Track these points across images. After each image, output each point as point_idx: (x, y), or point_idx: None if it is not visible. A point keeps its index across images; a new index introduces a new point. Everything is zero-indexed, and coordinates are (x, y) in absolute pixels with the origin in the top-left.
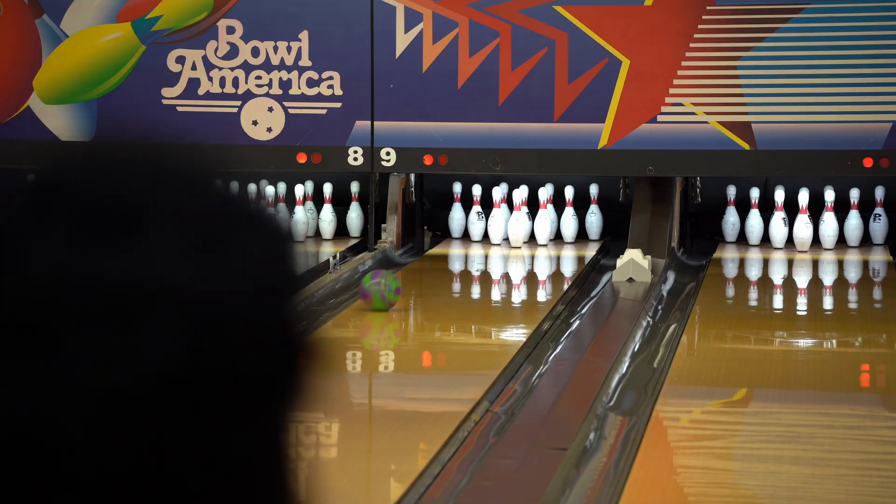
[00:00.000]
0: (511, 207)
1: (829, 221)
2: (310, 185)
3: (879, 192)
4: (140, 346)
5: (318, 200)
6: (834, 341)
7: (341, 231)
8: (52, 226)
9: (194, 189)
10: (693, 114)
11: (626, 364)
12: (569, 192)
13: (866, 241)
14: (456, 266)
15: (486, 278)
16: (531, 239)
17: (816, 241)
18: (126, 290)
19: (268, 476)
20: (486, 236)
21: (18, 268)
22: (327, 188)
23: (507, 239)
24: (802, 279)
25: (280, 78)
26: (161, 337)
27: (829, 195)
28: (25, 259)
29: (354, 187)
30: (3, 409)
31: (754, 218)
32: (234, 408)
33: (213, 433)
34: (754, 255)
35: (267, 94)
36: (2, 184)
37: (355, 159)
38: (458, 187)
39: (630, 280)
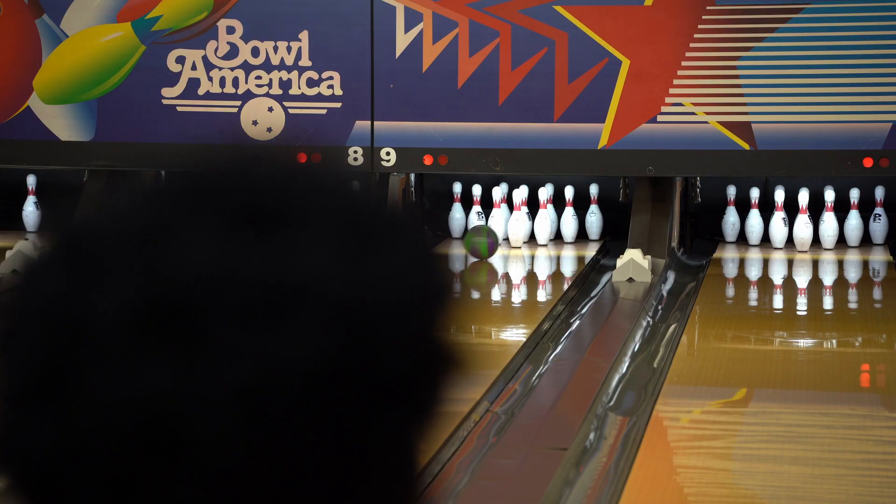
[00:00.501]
0: (511, 207)
1: (829, 221)
2: None
3: (879, 192)
4: (286, 343)
5: None
6: (834, 341)
7: None
8: (207, 224)
9: (346, 195)
10: (693, 114)
11: (626, 364)
12: (569, 192)
13: (866, 241)
14: (456, 266)
15: (486, 278)
16: (531, 239)
17: (816, 241)
18: (276, 288)
19: (395, 482)
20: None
21: (174, 262)
22: None
23: (507, 239)
24: (802, 279)
25: (280, 78)
26: (307, 335)
27: (829, 195)
28: (180, 254)
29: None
30: (151, 396)
31: (754, 218)
32: (372, 412)
33: (349, 434)
34: (754, 255)
35: (267, 94)
36: (157, 182)
37: (355, 159)
38: (458, 187)
39: (630, 280)
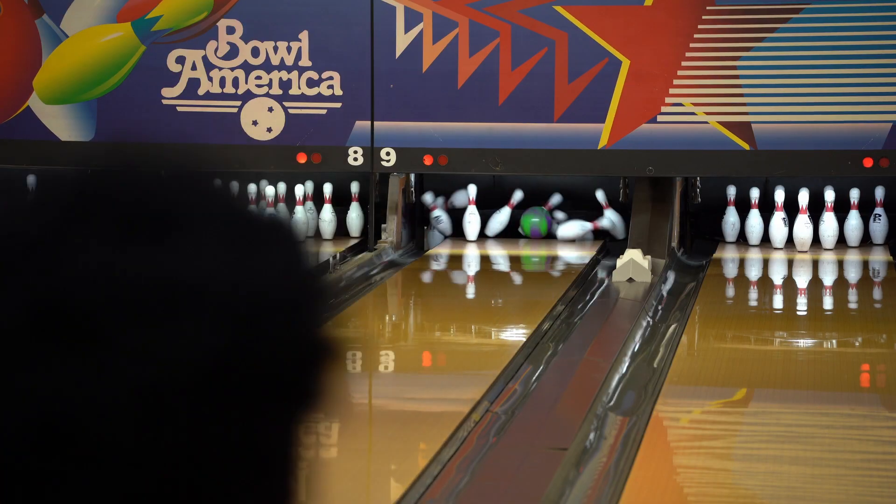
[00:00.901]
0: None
1: (829, 221)
2: (310, 185)
3: (879, 192)
4: (179, 341)
5: (318, 200)
6: (834, 341)
7: (341, 231)
8: (96, 226)
9: (223, 195)
10: (693, 114)
11: (626, 364)
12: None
13: (866, 241)
14: (456, 266)
15: (486, 278)
16: (531, 238)
17: (816, 241)
18: (167, 288)
19: (283, 467)
20: (484, 236)
21: (64, 265)
22: (327, 188)
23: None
24: (802, 279)
25: (280, 78)
26: (199, 332)
27: (829, 195)
28: (70, 257)
29: (354, 187)
30: (48, 399)
31: (754, 218)
32: (261, 404)
33: (240, 427)
34: (754, 255)
35: (267, 94)
36: (46, 186)
37: (355, 159)
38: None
39: (630, 280)
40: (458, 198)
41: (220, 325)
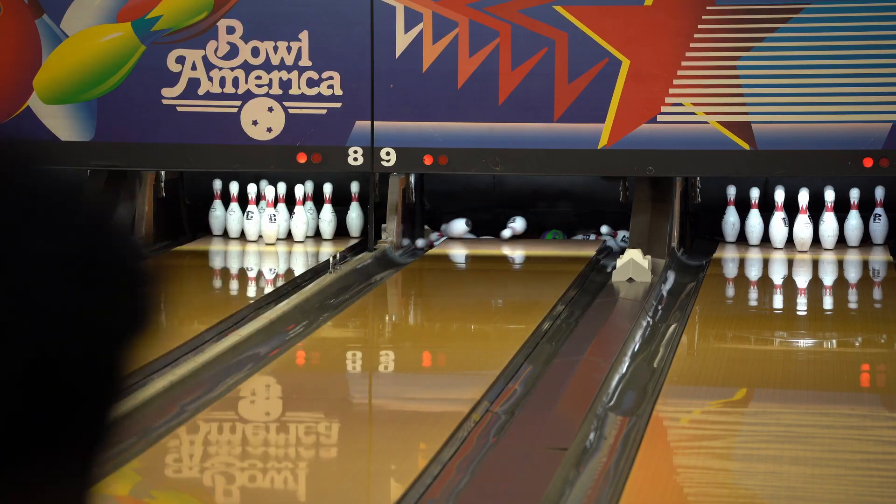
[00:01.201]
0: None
1: (829, 221)
2: (310, 185)
3: (879, 192)
4: (29, 247)
5: (318, 200)
6: (834, 341)
7: (341, 231)
8: None
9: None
10: (693, 114)
11: (626, 364)
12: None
13: (866, 241)
14: (456, 266)
15: (486, 278)
16: (531, 237)
17: (816, 241)
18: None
19: (117, 362)
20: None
21: None
22: (327, 188)
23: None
24: (802, 279)
25: (280, 78)
26: (45, 242)
27: (829, 195)
28: None
29: (354, 187)
30: None
31: (754, 218)
32: (99, 304)
33: (91, 323)
34: (754, 255)
35: (267, 94)
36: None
37: (355, 159)
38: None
39: (630, 280)
40: (454, 228)
41: (62, 237)
